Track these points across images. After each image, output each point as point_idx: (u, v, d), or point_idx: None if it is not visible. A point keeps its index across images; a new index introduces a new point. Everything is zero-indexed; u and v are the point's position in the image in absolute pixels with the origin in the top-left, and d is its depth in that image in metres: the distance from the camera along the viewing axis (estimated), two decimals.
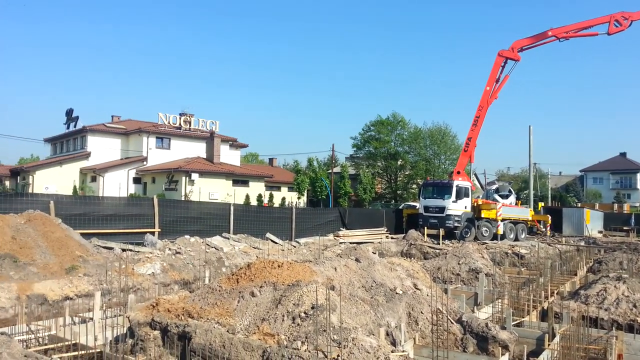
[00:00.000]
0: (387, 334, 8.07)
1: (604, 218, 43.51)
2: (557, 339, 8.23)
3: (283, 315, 7.07)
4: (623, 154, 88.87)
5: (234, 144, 50.16)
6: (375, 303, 8.85)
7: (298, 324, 6.89)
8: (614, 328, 9.48)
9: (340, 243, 24.08)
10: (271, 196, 44.31)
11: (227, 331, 6.73)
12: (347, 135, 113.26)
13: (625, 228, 40.60)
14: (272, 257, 13.00)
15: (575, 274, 16.45)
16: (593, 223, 39.91)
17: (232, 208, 22.53)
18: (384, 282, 10.40)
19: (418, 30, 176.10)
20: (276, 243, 21.31)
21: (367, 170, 53.33)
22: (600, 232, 40.28)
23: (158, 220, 19.77)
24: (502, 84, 30.07)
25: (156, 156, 43.53)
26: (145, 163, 43.08)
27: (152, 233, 19.01)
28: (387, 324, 8.39)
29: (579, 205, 55.06)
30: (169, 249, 15.99)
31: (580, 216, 39.12)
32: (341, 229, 27.95)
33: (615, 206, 61.21)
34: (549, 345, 8.21)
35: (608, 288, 11.02)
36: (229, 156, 47.30)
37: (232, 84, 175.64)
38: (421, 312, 9.16)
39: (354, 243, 23.42)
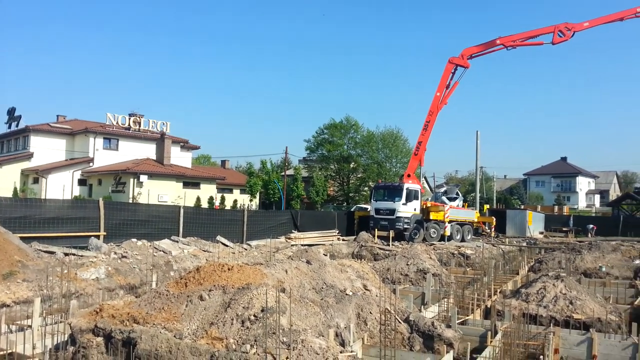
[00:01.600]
0: (337, 335, 8.15)
1: (545, 219, 45.40)
2: (499, 335, 8.54)
3: (232, 319, 7.02)
4: (564, 159, 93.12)
5: (186, 146, 49.29)
6: (325, 304, 8.92)
7: (247, 327, 6.86)
8: (551, 324, 9.92)
9: (292, 245, 24.07)
10: (223, 198, 43.78)
11: (174, 336, 6.62)
12: (301, 138, 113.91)
13: (564, 229, 42.53)
14: (222, 260, 12.85)
15: (517, 273, 17.10)
16: (535, 224, 41.58)
17: (182, 210, 22.14)
18: (334, 283, 10.50)
19: (372, 34, 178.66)
20: (227, 246, 21.09)
21: (320, 173, 53.57)
22: (541, 233, 42.00)
23: (104, 224, 19.18)
24: (451, 90, 30.89)
25: (103, 157, 42.19)
26: (91, 164, 41.68)
27: (97, 237, 18.43)
28: (337, 325, 8.47)
29: (522, 207, 57.26)
30: (115, 253, 15.54)
31: (523, 218, 40.69)
32: (293, 231, 27.96)
33: (556, 208, 64.08)
34: (491, 342, 8.51)
35: (547, 286, 11.52)
36: (180, 158, 46.43)
37: (185, 85, 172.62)
38: (370, 313, 9.30)
39: (305, 245, 23.49)
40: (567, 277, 12.10)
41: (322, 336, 7.37)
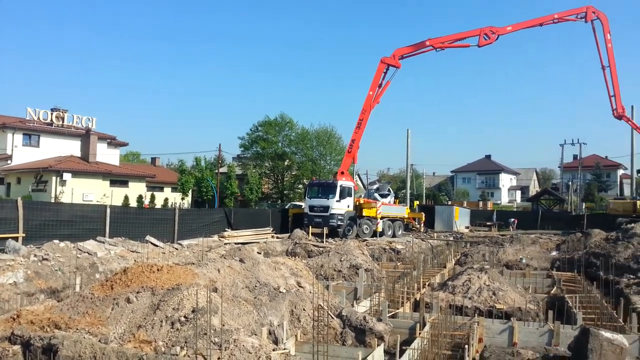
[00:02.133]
0: (270, 333, 8.13)
1: (471, 215, 47.49)
2: (427, 327, 8.85)
3: (161, 321, 6.83)
4: (488, 156, 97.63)
5: (113, 142, 47.34)
6: (258, 303, 8.87)
7: (177, 329, 6.70)
8: (476, 314, 10.40)
9: (225, 244, 23.73)
10: (153, 197, 42.48)
11: (100, 341, 6.35)
12: (235, 136, 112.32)
13: (488, 223, 44.72)
14: (151, 261, 12.45)
15: (445, 267, 17.78)
16: (461, 219, 43.39)
17: (108, 210, 21.24)
18: (268, 281, 10.46)
19: (306, 31, 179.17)
20: (157, 246, 20.45)
21: (254, 171, 53.17)
22: (467, 227, 43.90)
23: (23, 224, 18.05)
24: (384, 89, 31.56)
25: (23, 154, 39.73)
26: (9, 162, 39.13)
27: (16, 238, 17.32)
28: (270, 323, 8.46)
29: (450, 203, 59.60)
30: (35, 256, 14.66)
31: (450, 213, 42.35)
32: (226, 229, 27.57)
33: (481, 204, 67.24)
34: (420, 333, 8.80)
35: (472, 278, 12.06)
36: (107, 155, 44.52)
37: (112, 80, 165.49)
38: (303, 309, 9.35)
39: (239, 244, 23.21)
40: (490, 270, 12.71)
41: (255, 335, 7.32)
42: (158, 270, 8.31)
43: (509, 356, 7.14)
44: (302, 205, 33.90)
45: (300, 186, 53.08)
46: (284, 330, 8.34)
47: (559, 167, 70.93)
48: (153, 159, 64.81)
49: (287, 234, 28.03)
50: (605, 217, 38.74)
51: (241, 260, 11.11)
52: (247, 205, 47.60)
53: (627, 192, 62.40)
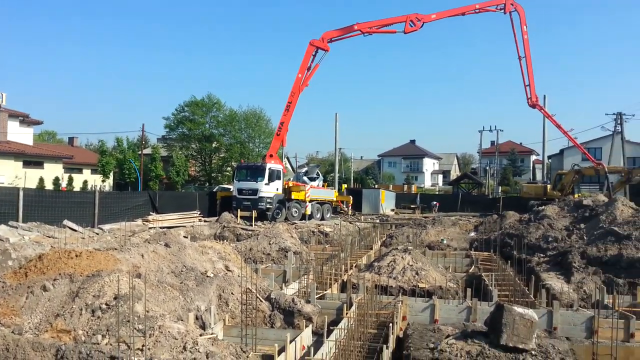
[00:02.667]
0: (197, 318, 8.01)
1: (396, 198, 48.94)
2: (354, 307, 9.06)
3: (81, 309, 6.54)
4: (412, 141, 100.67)
5: (26, 120, 44.19)
6: (185, 288, 8.70)
7: (99, 317, 6.45)
8: (400, 294, 10.77)
9: (150, 228, 23.01)
10: (71, 179, 40.33)
11: (13, 332, 5.98)
12: (160, 116, 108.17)
13: (412, 206, 46.32)
14: (70, 247, 11.85)
15: (371, 248, 18.24)
16: (387, 202, 44.65)
17: (21, 193, 19.93)
18: (194, 266, 10.28)
19: (237, 9, 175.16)
20: (76, 231, 19.47)
21: (180, 152, 51.67)
22: (392, 210, 45.25)
23: None
24: (312, 72, 31.54)
25: None
26: None
27: None
28: (197, 308, 8.32)
29: (376, 186, 61.09)
30: None
31: (377, 196, 43.44)
32: (151, 213, 26.73)
33: (405, 187, 69.36)
34: (347, 313, 9.00)
35: (397, 259, 12.47)
36: (19, 134, 41.54)
37: (24, 53, 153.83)
38: (232, 293, 9.28)
39: (164, 228, 22.57)
40: (414, 250, 13.20)
41: (182, 320, 7.19)
42: (77, 256, 7.93)
43: (431, 333, 7.47)
44: (230, 188, 33.48)
45: (229, 169, 52.24)
46: (212, 314, 8.24)
47: (477, 152, 74.60)
48: (71, 139, 61.36)
49: (215, 218, 27.60)
50: (519, 200, 41.15)
51: (166, 245, 10.83)
52: (173, 188, 46.31)
53: (539, 176, 66.82)
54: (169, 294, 8.00)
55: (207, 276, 9.69)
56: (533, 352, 6.31)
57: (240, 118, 54.45)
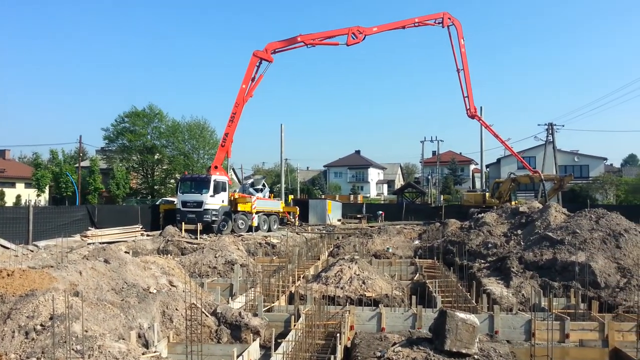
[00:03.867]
0: (140, 336, 7.74)
1: (343, 208, 49.38)
2: (302, 319, 9.03)
3: (13, 332, 6.17)
4: (358, 152, 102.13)
5: None
6: (126, 305, 8.39)
7: (33, 339, 6.11)
8: (347, 303, 10.84)
9: (89, 244, 22.07)
10: (2, 194, 38.23)
11: None
12: (98, 127, 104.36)
13: (358, 216, 46.83)
14: (1, 266, 11.19)
15: (319, 259, 18.29)
16: (334, 212, 44.95)
17: None
18: (136, 282, 9.94)
19: (179, 18, 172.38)
20: (7, 248, 18.41)
21: (120, 165, 50.02)
22: (339, 220, 45.59)
23: None
24: (257, 83, 31.43)
25: None
26: None
27: None
28: (140, 325, 8.05)
29: (323, 197, 61.37)
30: None
31: (324, 207, 43.65)
32: (90, 228, 25.66)
33: (352, 197, 70.15)
34: (295, 325, 8.95)
35: (343, 269, 12.56)
36: None
37: None
38: (176, 309, 9.04)
39: (104, 243, 21.73)
40: (360, 260, 13.34)
41: (123, 339, 6.92)
42: (8, 275, 7.49)
43: (378, 341, 7.56)
44: (174, 201, 32.69)
45: (172, 181, 51.02)
46: (155, 332, 7.99)
47: (420, 162, 76.50)
48: (2, 152, 58.16)
49: (159, 232, 26.83)
50: (460, 208, 42.48)
51: (106, 261, 10.42)
52: (113, 201, 44.74)
53: (478, 185, 69.31)
54: (110, 312, 7.69)
55: (150, 292, 9.39)
56: (476, 357, 6.50)
57: (184, 129, 53.36)
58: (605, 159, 65.28)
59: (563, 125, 65.05)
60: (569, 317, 9.40)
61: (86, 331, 6.10)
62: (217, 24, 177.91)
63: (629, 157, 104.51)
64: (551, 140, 48.32)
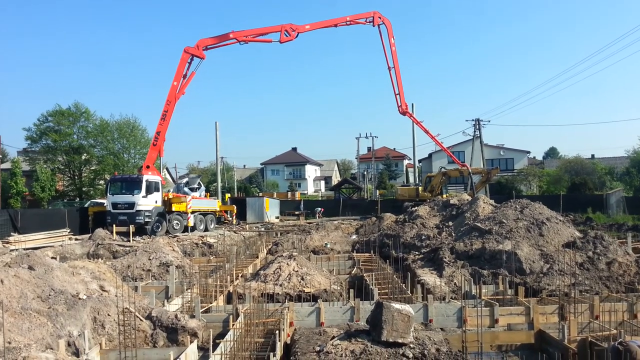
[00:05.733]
0: (69, 345, 7.40)
1: (280, 205, 49.37)
2: (240, 318, 8.95)
3: None
4: (294, 149, 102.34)
5: None
6: (54, 313, 7.99)
7: None
8: (287, 300, 10.85)
9: (12, 250, 20.79)
10: None
11: None
12: (19, 126, 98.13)
13: (296, 213, 47.00)
14: None
15: (257, 257, 18.16)
16: (272, 210, 44.84)
17: None
18: (64, 288, 9.48)
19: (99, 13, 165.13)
20: None
21: (45, 166, 47.40)
22: (277, 217, 45.54)
23: None
24: (189, 80, 30.74)
25: None
26: None
27: None
28: (69, 333, 7.69)
29: (260, 194, 61.04)
30: None
31: (261, 204, 43.45)
32: (12, 234, 24.22)
33: (289, 194, 70.22)
34: (233, 325, 8.86)
35: (282, 266, 12.55)
36: None
37: None
38: (108, 315, 8.70)
39: (29, 249, 20.53)
40: (299, 256, 13.38)
41: (51, 349, 6.59)
42: None
43: (317, 336, 7.62)
44: (104, 203, 31.44)
45: (102, 182, 48.97)
46: (86, 339, 7.66)
47: (355, 158, 77.69)
48: None
49: (88, 235, 25.70)
50: (395, 202, 43.59)
51: (31, 268, 9.86)
52: (37, 205, 42.38)
53: (412, 179, 71.27)
54: (35, 322, 7.29)
55: (80, 298, 8.98)
56: (411, 345, 6.70)
57: (113, 128, 51.23)
58: (529, 152, 69.08)
59: (489, 121, 68.20)
60: (497, 303, 9.87)
61: (9, 342, 5.76)
62: (146, 19, 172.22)
63: (549, 150, 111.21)
64: (478, 135, 50.48)
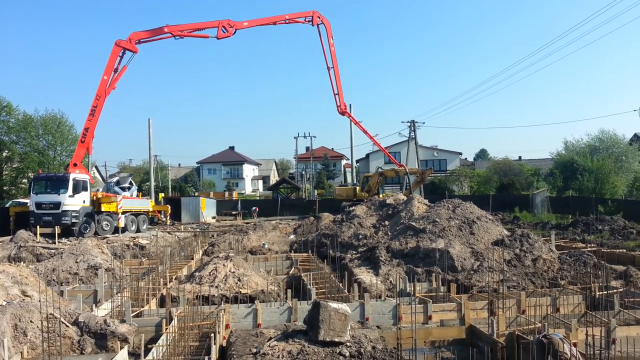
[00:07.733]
0: None
1: (217, 205, 48.52)
2: (174, 321, 8.66)
3: None
4: (232, 148, 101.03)
5: None
6: None
7: None
8: (223, 302, 10.63)
9: None
10: None
11: None
12: None
13: (234, 213, 46.36)
14: None
15: (193, 258, 17.73)
16: (208, 210, 43.99)
17: None
18: None
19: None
20: None
21: None
22: (214, 217, 44.73)
23: None
24: (120, 74, 29.59)
25: None
26: None
27: None
28: None
29: (197, 194, 59.78)
30: None
31: (197, 204, 42.54)
32: None
33: (226, 194, 69.18)
34: (166, 329, 8.57)
35: (218, 267, 12.29)
36: None
37: None
38: (31, 321, 8.17)
39: None
40: (235, 257, 13.16)
41: None
42: None
43: (254, 337, 7.51)
44: (27, 203, 29.69)
45: (25, 181, 46.22)
46: (5, 348, 7.16)
47: (294, 157, 77.75)
48: None
49: (9, 237, 24.14)
50: (333, 202, 43.93)
51: None
52: None
53: (349, 179, 72.21)
54: None
55: None
56: (348, 344, 6.74)
57: (37, 123, 48.48)
58: (460, 153, 71.81)
59: (424, 123, 70.10)
60: (431, 300, 10.13)
61: None
62: (75, 9, 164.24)
63: (480, 151, 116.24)
64: (413, 136, 51.87)
